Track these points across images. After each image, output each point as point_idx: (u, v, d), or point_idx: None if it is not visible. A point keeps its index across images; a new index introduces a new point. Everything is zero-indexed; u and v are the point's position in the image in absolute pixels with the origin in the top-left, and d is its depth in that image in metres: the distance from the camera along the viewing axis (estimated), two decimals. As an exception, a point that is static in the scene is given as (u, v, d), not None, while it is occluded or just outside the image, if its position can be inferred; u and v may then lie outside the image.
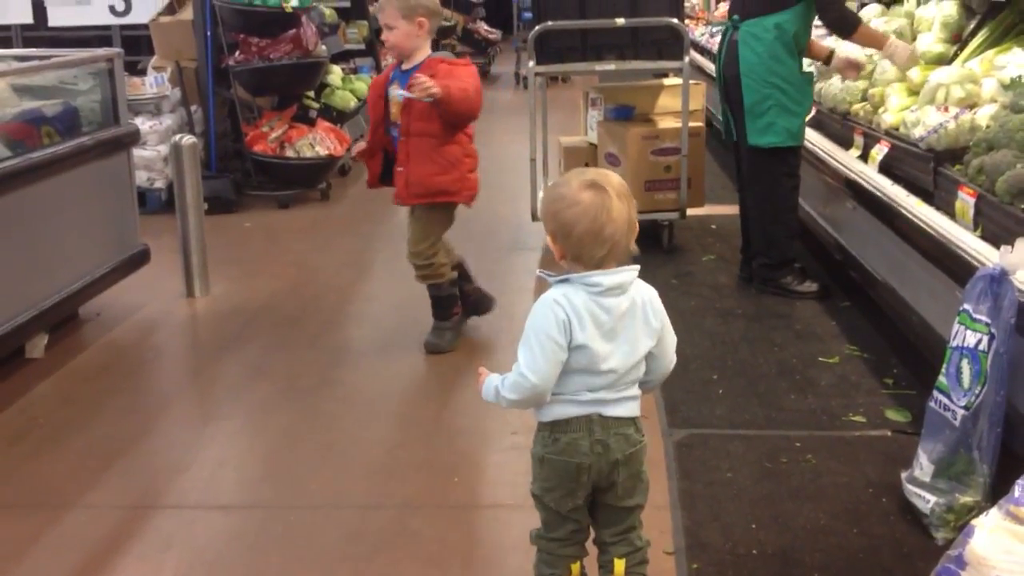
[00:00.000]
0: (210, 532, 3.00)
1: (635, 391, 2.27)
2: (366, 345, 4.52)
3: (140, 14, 7.37)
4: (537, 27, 5.49)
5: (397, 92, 4.04)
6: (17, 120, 4.36)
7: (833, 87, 5.08)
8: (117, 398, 3.95)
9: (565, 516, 2.30)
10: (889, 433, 3.46)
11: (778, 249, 4.81)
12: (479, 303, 4.52)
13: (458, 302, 4.41)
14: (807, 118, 4.84)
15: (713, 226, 6.09)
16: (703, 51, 9.40)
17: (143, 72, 7.08)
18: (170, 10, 7.30)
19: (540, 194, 5.89)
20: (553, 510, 2.30)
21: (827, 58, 4.93)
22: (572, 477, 2.24)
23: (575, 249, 2.16)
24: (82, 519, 3.06)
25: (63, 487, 3.24)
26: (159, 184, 6.68)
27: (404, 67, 4.13)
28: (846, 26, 4.62)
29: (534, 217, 5.56)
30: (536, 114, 5.66)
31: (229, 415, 3.84)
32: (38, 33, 7.71)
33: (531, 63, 5.54)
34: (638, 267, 2.22)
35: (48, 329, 4.32)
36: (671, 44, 5.51)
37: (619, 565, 2.31)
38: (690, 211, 5.61)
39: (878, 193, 4.10)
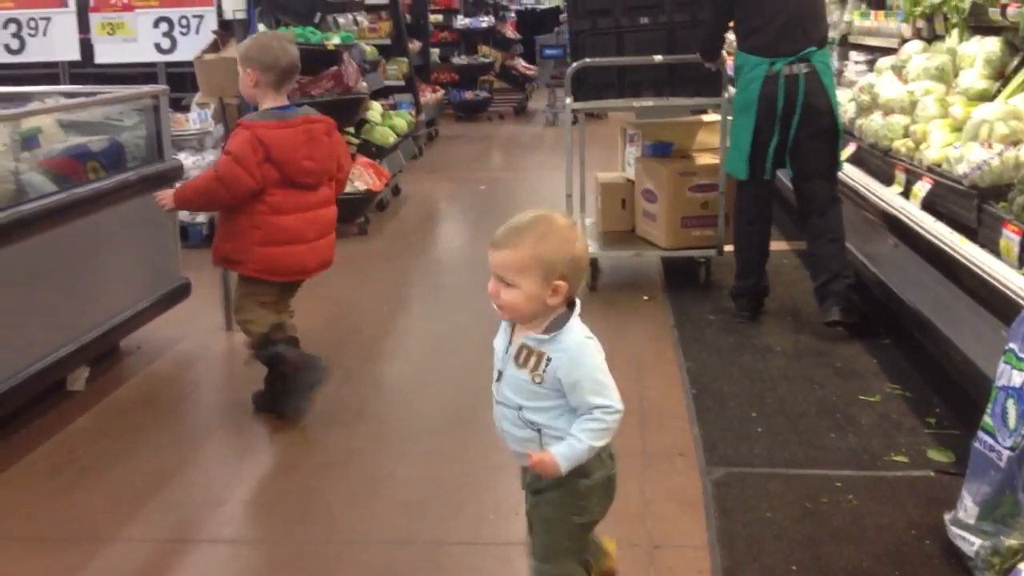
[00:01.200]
0: (245, 568, 3.00)
1: None
2: (402, 380, 4.52)
3: (185, 51, 7.48)
4: (574, 64, 5.52)
5: None
6: (64, 155, 4.43)
7: (875, 123, 5.05)
8: (155, 431, 3.97)
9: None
10: (932, 473, 3.39)
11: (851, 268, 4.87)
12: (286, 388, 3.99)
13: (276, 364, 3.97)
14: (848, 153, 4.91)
15: (752, 262, 6.04)
16: (742, 87, 9.38)
17: (187, 108, 7.19)
18: (214, 48, 7.40)
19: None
20: (588, 531, 2.42)
21: None
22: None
23: (578, 282, 2.26)
24: (119, 553, 3.07)
25: (100, 520, 3.25)
26: (200, 219, 6.75)
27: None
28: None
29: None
30: (573, 150, 5.66)
31: (265, 449, 3.85)
32: (84, 70, 7.85)
33: (568, 99, 5.56)
34: None
35: (90, 362, 4.36)
36: (709, 80, 5.51)
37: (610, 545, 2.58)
38: (727, 247, 5.57)
39: (920, 230, 4.06)
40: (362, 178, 7.34)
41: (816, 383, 4.21)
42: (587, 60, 5.50)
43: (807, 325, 4.89)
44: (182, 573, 2.97)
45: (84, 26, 7.73)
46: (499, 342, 2.39)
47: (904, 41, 5.60)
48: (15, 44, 7.83)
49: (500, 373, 2.36)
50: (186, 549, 3.09)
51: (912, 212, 4.25)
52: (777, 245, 6.34)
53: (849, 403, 4.00)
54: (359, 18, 9.18)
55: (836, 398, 4.05)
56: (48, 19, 7.75)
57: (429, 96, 11.62)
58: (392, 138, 8.51)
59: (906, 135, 4.76)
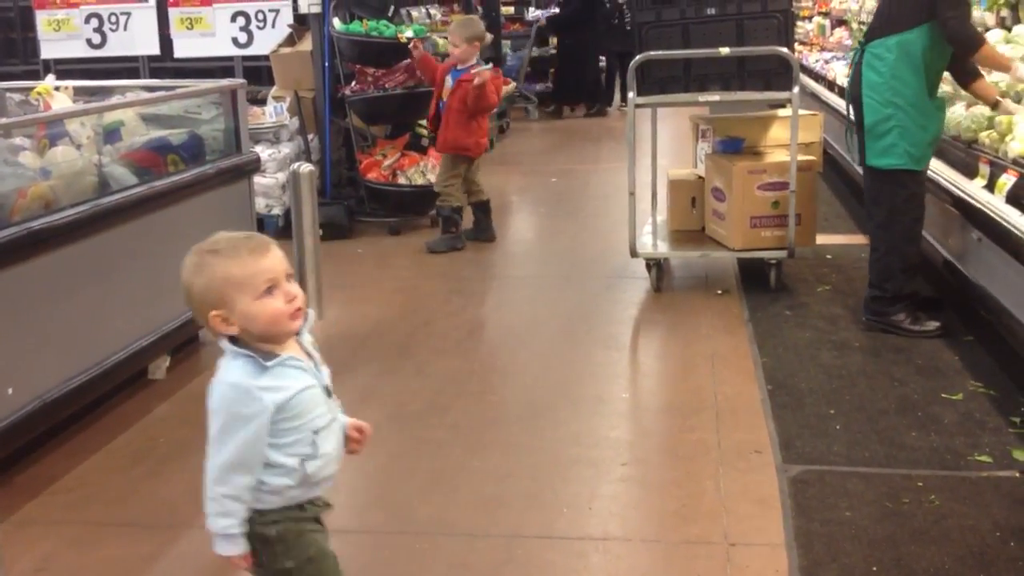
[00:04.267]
0: (321, 556, 3.03)
1: None
2: (474, 372, 4.53)
3: (261, 45, 7.59)
4: (637, 57, 5.39)
5: (450, 81, 6.49)
6: (145, 148, 4.52)
7: (957, 114, 4.92)
8: (233, 420, 4.03)
9: None
10: (1017, 474, 3.31)
11: (893, 283, 4.65)
12: (482, 233, 6.81)
13: (458, 224, 6.60)
14: (933, 143, 4.66)
15: (828, 256, 5.95)
16: (818, 79, 9.23)
17: (263, 102, 7.28)
18: (290, 42, 7.49)
19: (645, 228, 5.83)
20: None
21: (993, 104, 4.62)
22: None
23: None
24: (199, 539, 3.11)
25: (181, 507, 3.31)
26: (276, 210, 6.84)
27: (460, 67, 6.52)
28: (968, 43, 4.44)
29: (633, 253, 5.47)
30: (637, 145, 5.56)
31: (340, 439, 3.89)
32: (163, 64, 8.00)
33: (631, 94, 5.47)
34: None
35: (170, 351, 4.44)
36: (780, 73, 5.32)
37: None
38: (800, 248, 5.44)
39: (1006, 224, 3.95)
40: (434, 171, 7.37)
41: (896, 380, 4.13)
42: (650, 53, 5.38)
43: (886, 321, 4.80)
44: (260, 561, 3.01)
45: (163, 21, 7.88)
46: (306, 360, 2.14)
47: (987, 30, 5.46)
48: (97, 39, 8.00)
49: (328, 389, 2.17)
50: (264, 537, 3.13)
51: (997, 205, 4.14)
52: (856, 239, 6.25)
53: (931, 401, 3.91)
54: (432, 11, 9.21)
55: (917, 396, 3.97)
56: (129, 14, 7.91)
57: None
58: (464, 131, 8.51)
59: (990, 127, 4.64)
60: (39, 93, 4.76)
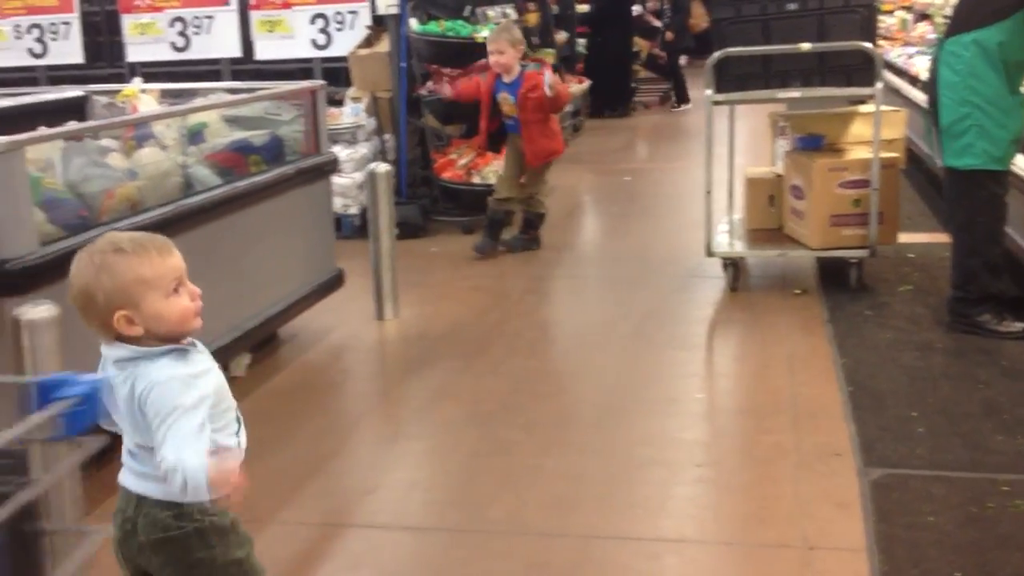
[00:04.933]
0: (397, 553, 3.07)
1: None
2: (548, 373, 4.54)
3: (340, 47, 7.68)
4: (715, 54, 5.33)
5: (509, 97, 6.36)
6: (227, 149, 4.61)
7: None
8: (311, 418, 4.10)
9: None
10: (1109, 482, 3.21)
11: (976, 283, 4.53)
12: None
13: (537, 226, 6.64)
14: (1015, 142, 4.53)
15: (911, 254, 5.82)
16: (901, 74, 9.05)
17: (340, 103, 7.37)
18: (368, 43, 7.57)
19: (721, 227, 5.77)
20: None
21: None
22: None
23: None
24: (276, 535, 3.18)
25: (259, 503, 3.36)
26: (353, 210, 6.92)
27: (506, 80, 6.35)
28: None
29: (709, 252, 5.42)
30: (713, 144, 5.51)
31: (416, 436, 3.93)
32: (244, 66, 8.14)
33: (708, 91, 5.40)
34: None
35: (250, 349, 4.53)
36: (862, 69, 5.21)
37: None
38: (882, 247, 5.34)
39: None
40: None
41: (981, 382, 4.03)
42: (729, 49, 5.32)
43: (970, 322, 4.68)
44: (336, 557, 3.05)
45: (244, 24, 8.01)
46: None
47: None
48: (180, 42, 8.17)
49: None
50: (340, 533, 3.18)
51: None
52: (939, 237, 6.11)
53: (1017, 404, 3.81)
54: (507, 10, 9.22)
55: (1003, 399, 3.87)
56: (211, 17, 8.06)
57: (575, 87, 11.60)
58: (539, 130, 8.52)
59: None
60: (126, 96, 4.89)
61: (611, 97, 13.05)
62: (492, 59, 6.32)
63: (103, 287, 1.92)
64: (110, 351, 1.99)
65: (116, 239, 1.98)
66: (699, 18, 13.75)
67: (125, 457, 2.06)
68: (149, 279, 1.94)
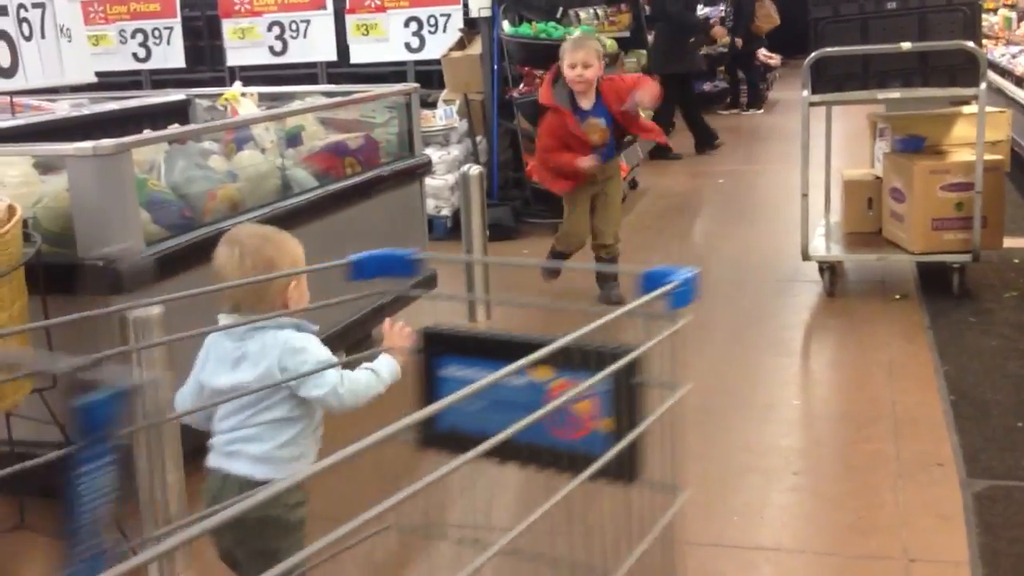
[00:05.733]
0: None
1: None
2: (642, 375, 4.50)
3: (432, 50, 7.76)
4: (812, 54, 5.23)
5: (600, 121, 5.22)
6: (324, 152, 4.68)
7: None
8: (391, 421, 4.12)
9: None
10: None
11: None
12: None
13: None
14: None
15: (1016, 260, 5.64)
16: (1005, 74, 8.79)
17: (433, 105, 7.44)
18: (460, 45, 7.63)
19: (818, 230, 5.66)
20: None
21: None
22: None
23: None
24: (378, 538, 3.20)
25: (356, 501, 3.40)
26: (445, 212, 6.97)
27: (585, 105, 5.22)
28: None
29: (805, 256, 5.32)
30: (810, 146, 5.40)
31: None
32: (339, 70, 8.27)
33: (805, 92, 5.30)
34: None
35: (346, 349, 4.58)
36: (965, 69, 5.06)
37: None
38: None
39: None
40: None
41: (1092, 393, 3.89)
42: (826, 49, 5.21)
43: (1081, 330, 4.53)
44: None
45: (340, 28, 8.15)
46: None
47: None
48: (278, 46, 8.35)
49: None
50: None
51: None
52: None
53: None
54: (599, 11, 9.21)
55: (1115, 411, 3.73)
56: (308, 21, 8.22)
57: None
58: (630, 132, 8.48)
59: None
60: (227, 99, 5.00)
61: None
62: (574, 73, 5.11)
63: (285, 260, 2.28)
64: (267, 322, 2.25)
65: (260, 229, 2.36)
66: (764, 19, 13.45)
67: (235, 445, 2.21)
68: (302, 260, 2.34)
